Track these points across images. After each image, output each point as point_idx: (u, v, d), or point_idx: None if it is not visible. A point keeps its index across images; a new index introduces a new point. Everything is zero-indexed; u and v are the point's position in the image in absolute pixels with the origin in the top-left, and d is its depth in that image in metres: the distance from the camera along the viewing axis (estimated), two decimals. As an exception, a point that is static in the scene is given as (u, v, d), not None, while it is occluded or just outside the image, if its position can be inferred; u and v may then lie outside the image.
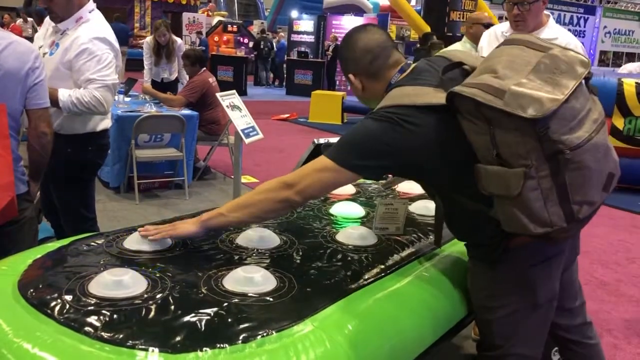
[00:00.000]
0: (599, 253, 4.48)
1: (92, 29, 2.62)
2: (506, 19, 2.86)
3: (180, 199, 5.28)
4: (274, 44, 17.81)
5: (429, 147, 1.56)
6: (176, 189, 5.55)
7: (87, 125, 2.73)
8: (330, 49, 15.23)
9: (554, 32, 2.67)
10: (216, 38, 17.70)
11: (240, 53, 15.48)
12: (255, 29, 19.84)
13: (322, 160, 1.60)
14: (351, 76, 1.76)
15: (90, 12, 2.68)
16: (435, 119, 1.55)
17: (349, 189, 2.54)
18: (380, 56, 1.72)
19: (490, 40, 3.01)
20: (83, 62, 2.57)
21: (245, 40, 18.20)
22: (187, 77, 6.30)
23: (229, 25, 17.86)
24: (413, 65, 1.74)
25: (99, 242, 1.74)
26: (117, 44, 2.73)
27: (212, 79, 5.91)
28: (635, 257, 4.53)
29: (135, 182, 5.05)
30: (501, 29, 2.82)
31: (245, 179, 5.90)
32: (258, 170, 6.58)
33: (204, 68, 6.01)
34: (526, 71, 1.45)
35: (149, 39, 6.65)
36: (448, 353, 2.91)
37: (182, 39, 8.21)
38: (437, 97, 1.56)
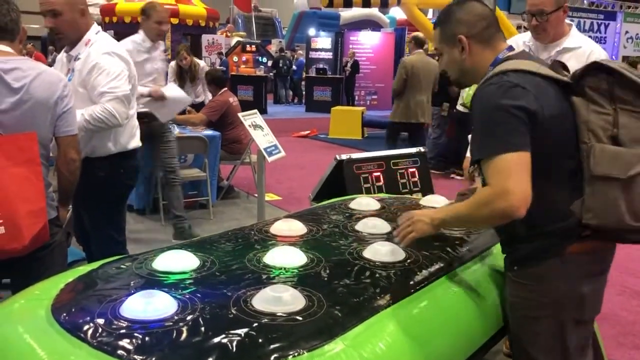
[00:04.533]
0: (626, 262, 4.38)
1: (101, 46, 2.69)
2: (525, 29, 2.85)
3: (205, 219, 5.32)
4: (293, 62, 17.96)
5: (543, 117, 1.55)
6: (200, 208, 5.60)
7: (119, 144, 2.78)
8: (349, 65, 15.30)
9: (576, 41, 2.65)
10: (235, 58, 17.91)
11: (260, 72, 15.62)
12: (273, 47, 20.04)
13: (495, 162, 1.50)
14: (463, 38, 1.71)
15: (96, 34, 2.75)
16: (553, 92, 1.59)
17: (373, 205, 2.53)
18: (493, 25, 1.75)
19: None
20: (94, 78, 2.63)
21: (264, 60, 18.39)
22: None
23: (248, 45, 18.07)
24: (519, 50, 1.78)
25: (128, 264, 1.76)
26: (127, 56, 2.79)
27: (232, 99, 5.98)
28: (667, 266, 4.42)
29: (161, 203, 5.11)
30: (523, 39, 2.81)
31: (268, 196, 5.93)
32: (281, 187, 6.61)
33: (225, 88, 6.08)
34: None
35: (172, 63, 6.77)
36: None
37: (202, 60, 8.33)
38: (553, 73, 1.61)
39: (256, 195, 5.97)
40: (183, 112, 6.07)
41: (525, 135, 1.53)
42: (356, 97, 15.96)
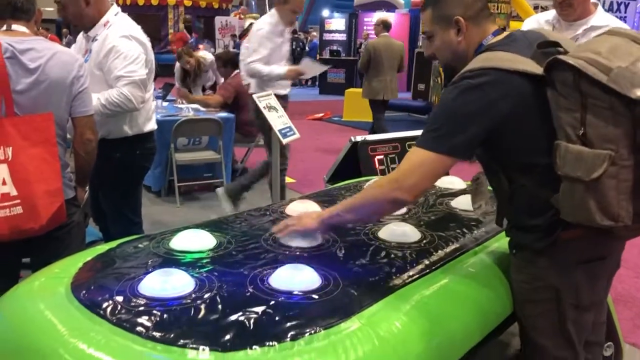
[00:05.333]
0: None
1: (119, 29, 2.67)
2: (542, 8, 2.80)
3: (220, 201, 5.34)
4: (306, 44, 17.85)
5: (514, 116, 1.51)
6: (215, 190, 5.62)
7: (135, 127, 2.79)
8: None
9: (603, 19, 2.60)
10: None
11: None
12: (286, 29, 19.94)
13: (417, 153, 1.55)
14: (460, 19, 1.64)
15: (115, 15, 2.74)
16: (526, 88, 1.51)
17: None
18: (486, 7, 1.69)
19: (532, 27, 2.95)
20: (111, 61, 2.62)
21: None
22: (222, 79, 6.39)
23: (261, 27, 18.04)
24: (508, 32, 1.69)
25: (146, 243, 1.78)
26: (145, 40, 2.78)
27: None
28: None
29: (176, 185, 5.13)
30: (545, 17, 2.76)
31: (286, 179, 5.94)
32: (295, 170, 6.60)
33: (238, 70, 6.06)
34: (629, 60, 1.39)
35: (178, 65, 6.72)
36: (495, 350, 2.87)
37: (215, 42, 8.34)
38: (530, 66, 1.52)
39: (271, 177, 6.00)
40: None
41: (467, 144, 1.53)
42: (370, 80, 15.85)
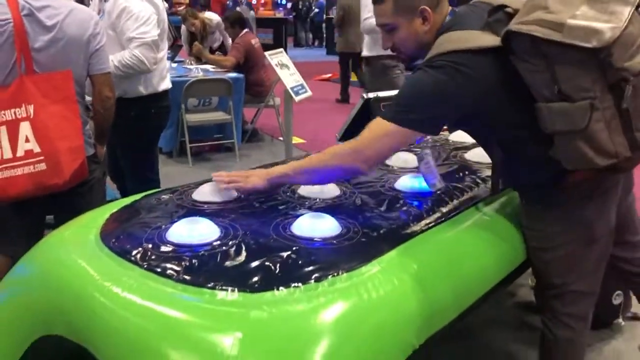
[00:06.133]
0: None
1: None
2: None
3: (232, 161, 5.39)
4: (312, 4, 17.60)
5: (487, 92, 1.55)
6: (226, 151, 5.67)
7: (150, 86, 2.82)
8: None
9: None
10: (254, 1, 17.59)
11: (279, 14, 15.37)
12: (292, -12, 19.62)
13: (382, 124, 1.57)
14: (427, 9, 1.63)
15: None
16: (490, 62, 1.53)
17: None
18: None
19: None
20: (124, 22, 2.65)
21: (283, 1, 18.04)
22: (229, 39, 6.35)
23: (267, -13, 17.76)
24: (462, 11, 1.69)
25: (169, 196, 1.83)
26: (157, 0, 2.78)
27: (254, 40, 5.94)
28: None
29: (188, 146, 5.18)
30: None
31: (293, 139, 5.96)
32: (304, 131, 6.62)
33: (246, 29, 6.03)
34: (577, 3, 1.42)
35: (184, 28, 6.64)
36: (504, 299, 2.94)
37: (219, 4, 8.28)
38: (488, 39, 1.54)
39: (281, 138, 6.03)
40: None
41: (432, 121, 1.56)
42: (378, 39, 15.66)
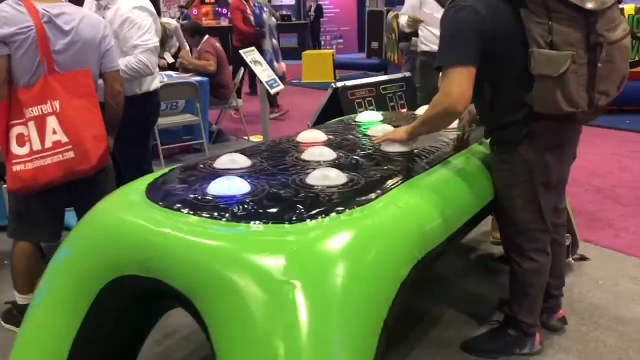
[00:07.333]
0: (595, 166, 4.93)
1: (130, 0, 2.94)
2: None
3: (203, 160, 5.61)
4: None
5: (494, 32, 1.94)
6: (195, 152, 5.89)
7: (143, 86, 3.08)
8: (312, 9, 15.35)
9: None
10: (195, 11, 17.64)
11: (224, 23, 15.53)
12: (233, -3, 19.75)
13: (447, 71, 1.93)
14: None
15: None
16: (503, 7, 1.94)
17: (377, 116, 2.93)
18: None
19: None
20: (127, 31, 2.90)
21: (224, 11, 18.16)
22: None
23: (207, -4, 17.84)
24: None
25: (193, 167, 2.10)
26: (153, 9, 3.06)
27: (218, 44, 6.19)
28: (626, 167, 4.98)
29: (160, 149, 5.37)
30: None
31: (255, 137, 6.25)
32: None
33: (207, 35, 6.28)
34: None
35: None
36: (467, 251, 3.37)
37: (160, 15, 8.26)
38: None
39: (245, 137, 6.32)
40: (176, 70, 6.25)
41: (474, 52, 1.94)
42: (322, 42, 16.09)
